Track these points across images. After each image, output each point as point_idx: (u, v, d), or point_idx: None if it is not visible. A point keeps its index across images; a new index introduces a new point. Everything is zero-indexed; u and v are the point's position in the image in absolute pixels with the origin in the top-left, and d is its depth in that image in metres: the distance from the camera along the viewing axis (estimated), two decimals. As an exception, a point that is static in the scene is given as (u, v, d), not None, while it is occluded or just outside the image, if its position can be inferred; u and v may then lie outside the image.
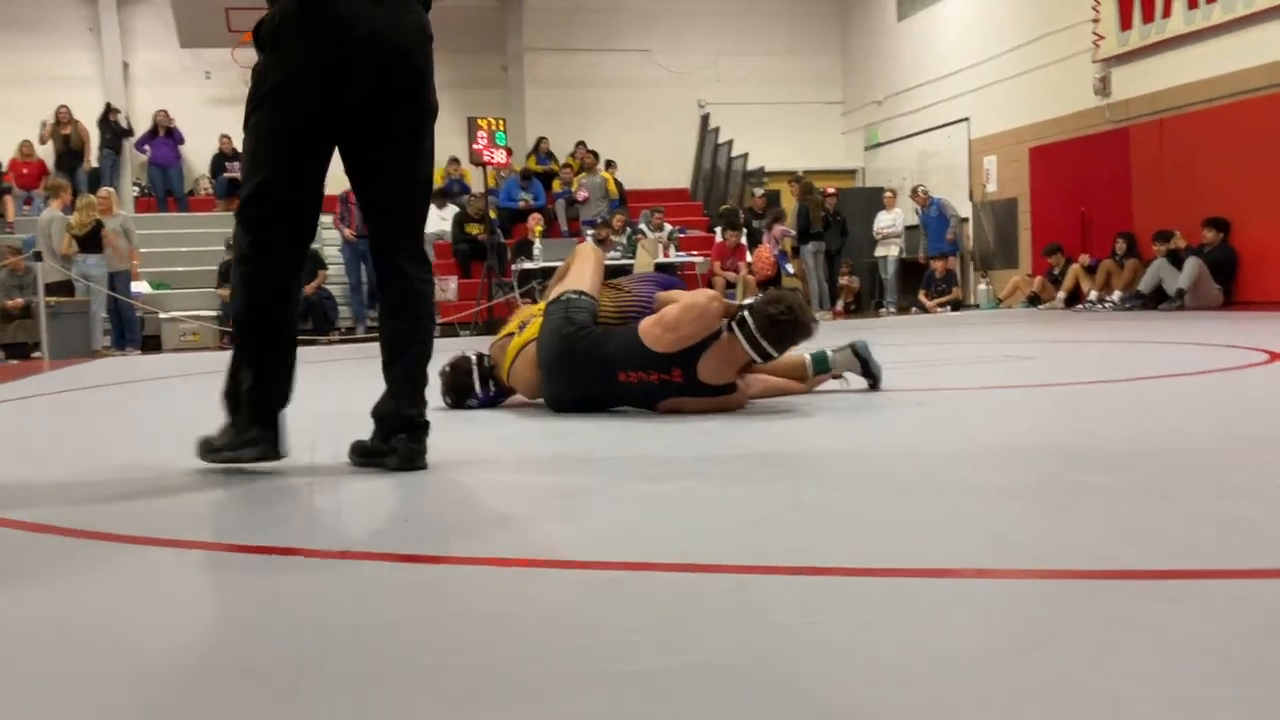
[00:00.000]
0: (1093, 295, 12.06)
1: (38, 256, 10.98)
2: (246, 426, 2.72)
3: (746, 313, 3.54)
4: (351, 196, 13.05)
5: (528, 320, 4.09)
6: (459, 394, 4.15)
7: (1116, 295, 11.71)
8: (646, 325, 3.65)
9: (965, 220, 15.16)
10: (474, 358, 4.19)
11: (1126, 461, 2.53)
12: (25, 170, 15.08)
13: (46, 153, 15.00)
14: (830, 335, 6.82)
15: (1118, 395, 3.97)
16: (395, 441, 2.71)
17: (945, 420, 3.45)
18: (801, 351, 4.12)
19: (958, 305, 14.21)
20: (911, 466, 2.60)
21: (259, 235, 2.70)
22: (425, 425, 2.76)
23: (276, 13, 2.61)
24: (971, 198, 15.29)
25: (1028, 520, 1.99)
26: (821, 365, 4.10)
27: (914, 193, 14.89)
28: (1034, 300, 13.14)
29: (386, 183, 2.77)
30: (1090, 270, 12.37)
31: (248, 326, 2.74)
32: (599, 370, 3.71)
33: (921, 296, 14.38)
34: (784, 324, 3.50)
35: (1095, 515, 1.99)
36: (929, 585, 1.58)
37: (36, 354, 11.06)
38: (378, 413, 2.78)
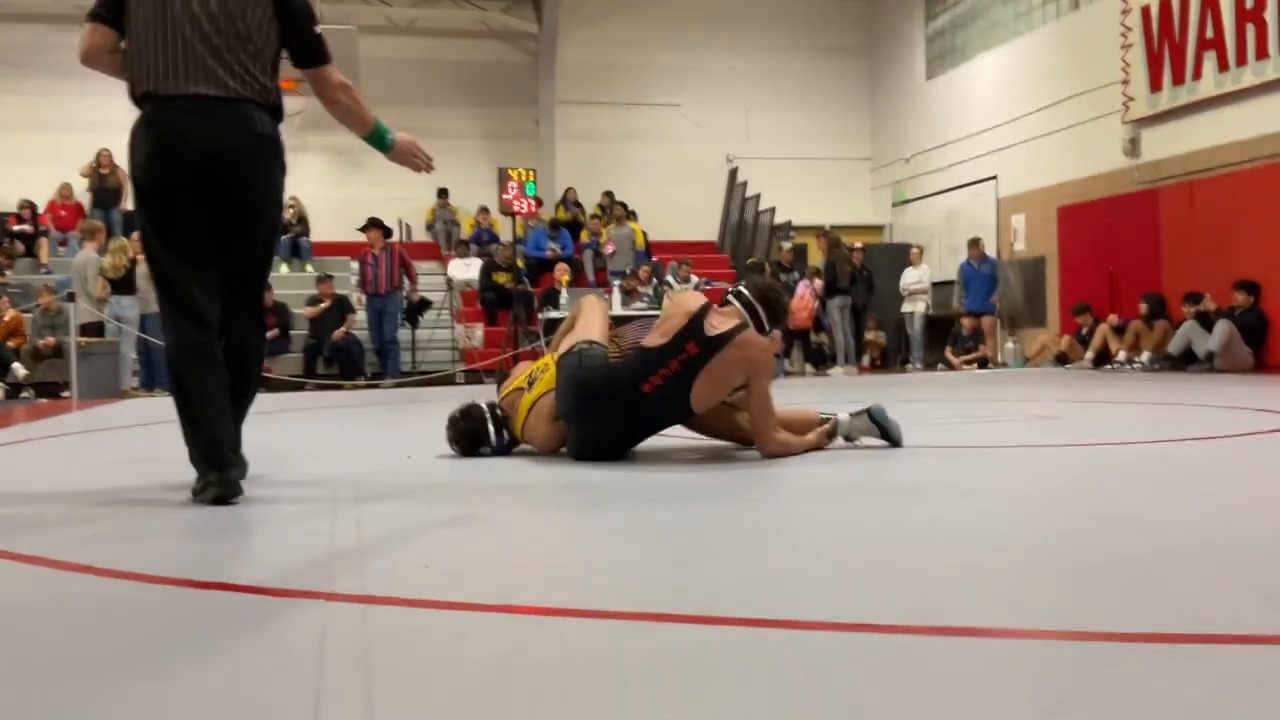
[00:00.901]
0: (1121, 356, 11.98)
1: (70, 297, 11.13)
2: (202, 474, 3.04)
3: (740, 286, 3.98)
4: (369, 256, 13.18)
5: (536, 375, 4.09)
6: (471, 442, 4.11)
7: (1145, 356, 11.62)
8: (648, 339, 3.85)
9: (1008, 284, 15.06)
10: (486, 406, 4.17)
11: (1152, 524, 2.50)
12: (63, 212, 15.36)
13: (84, 196, 15.28)
14: (856, 391, 6.81)
15: (1145, 457, 3.92)
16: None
17: (969, 478, 3.42)
18: (817, 413, 4.13)
19: (985, 363, 14.14)
20: (934, 524, 2.58)
21: (177, 307, 3.16)
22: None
23: (135, 125, 3.16)
24: (999, 255, 15.27)
25: (1051, 581, 1.96)
26: (836, 430, 4.09)
27: (972, 244, 14.62)
28: (1062, 360, 13.06)
29: (229, 253, 3.22)
30: (1119, 330, 12.29)
31: (179, 386, 3.14)
32: (621, 396, 3.75)
33: (948, 353, 14.32)
34: (778, 294, 3.99)
35: (1120, 577, 1.96)
36: (951, 644, 1.55)
37: (66, 393, 11.18)
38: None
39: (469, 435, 4.11)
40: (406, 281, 13.20)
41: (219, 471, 2.99)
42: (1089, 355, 12.52)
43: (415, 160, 3.58)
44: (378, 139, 3.46)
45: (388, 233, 13.19)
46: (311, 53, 3.30)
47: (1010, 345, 14.69)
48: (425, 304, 13.70)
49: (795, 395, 4.43)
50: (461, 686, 1.40)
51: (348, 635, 1.66)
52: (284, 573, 2.15)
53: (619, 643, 1.60)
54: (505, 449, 4.14)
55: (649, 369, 3.73)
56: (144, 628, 1.75)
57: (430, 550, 2.39)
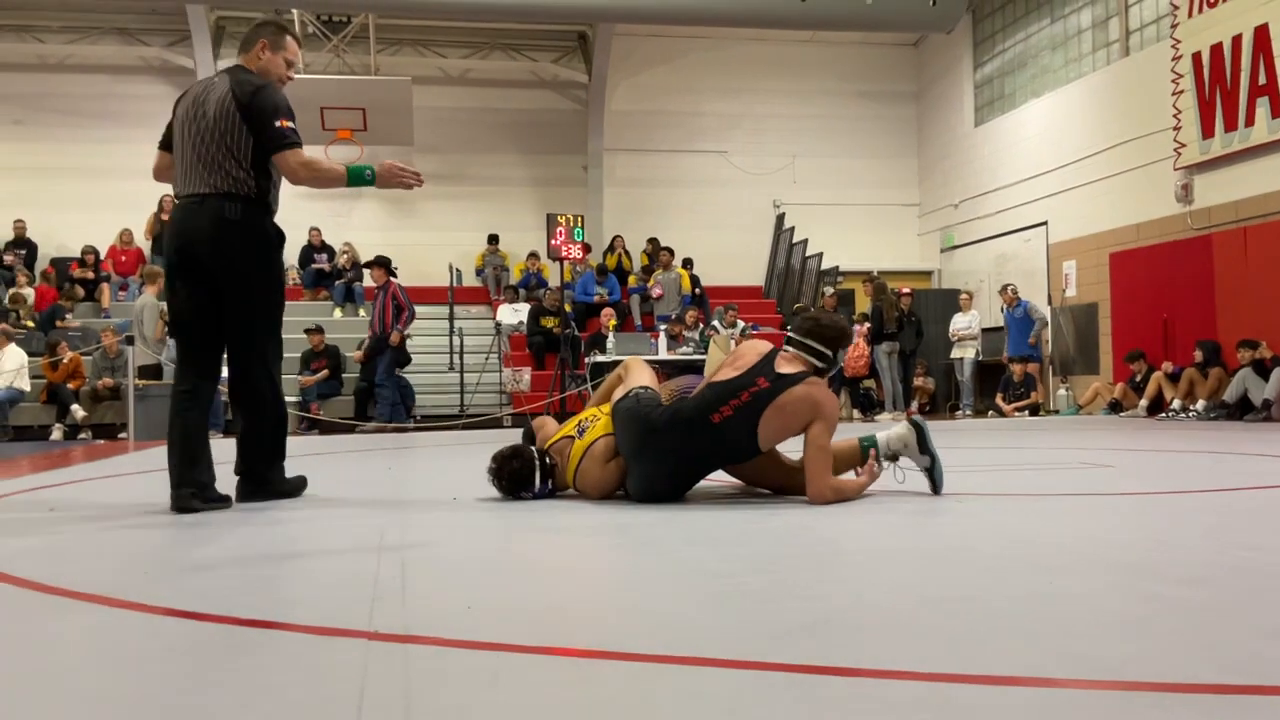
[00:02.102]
0: (1176, 404, 11.78)
1: (129, 340, 11.38)
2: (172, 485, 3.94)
3: (790, 333, 4.02)
4: (390, 294, 12.69)
5: (585, 424, 4.12)
6: (514, 483, 4.13)
7: (1200, 404, 11.42)
8: (717, 376, 3.91)
9: (1045, 324, 14.96)
10: (536, 452, 4.18)
11: (1203, 574, 2.46)
12: (124, 257, 15.74)
13: (144, 241, 15.65)
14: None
15: (1197, 506, 3.86)
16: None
17: (1016, 525, 3.38)
18: (857, 441, 4.14)
19: (1036, 410, 13.96)
20: (978, 571, 2.55)
21: (177, 365, 4.10)
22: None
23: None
24: (1050, 302, 15.14)
25: (1096, 630, 1.94)
26: (876, 445, 4.09)
27: (1002, 290, 14.70)
28: (1115, 407, 12.86)
29: (228, 320, 4.03)
30: (1173, 378, 12.10)
31: (170, 421, 3.99)
32: (689, 427, 3.82)
33: (999, 400, 14.17)
34: (826, 323, 4.02)
35: (1167, 627, 1.93)
36: (991, 693, 1.54)
37: (123, 435, 11.39)
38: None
39: (514, 476, 4.12)
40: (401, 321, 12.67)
41: (174, 489, 3.87)
42: (1143, 403, 12.33)
43: (403, 179, 3.98)
44: (357, 181, 3.91)
45: (391, 272, 13.00)
46: (271, 144, 3.94)
47: (1063, 392, 14.51)
48: (383, 348, 12.62)
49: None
50: (499, 726, 1.41)
51: (389, 675, 1.68)
52: (328, 611, 2.18)
53: (659, 686, 1.61)
54: (547, 495, 4.15)
55: (720, 400, 3.82)
56: (188, 664, 1.78)
57: (473, 591, 2.41)
